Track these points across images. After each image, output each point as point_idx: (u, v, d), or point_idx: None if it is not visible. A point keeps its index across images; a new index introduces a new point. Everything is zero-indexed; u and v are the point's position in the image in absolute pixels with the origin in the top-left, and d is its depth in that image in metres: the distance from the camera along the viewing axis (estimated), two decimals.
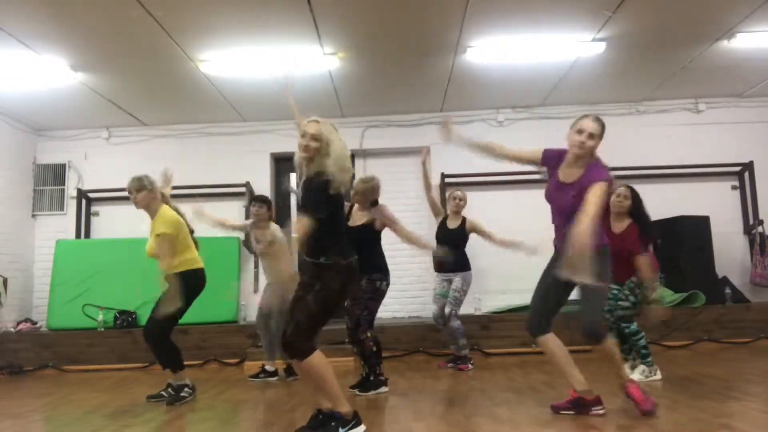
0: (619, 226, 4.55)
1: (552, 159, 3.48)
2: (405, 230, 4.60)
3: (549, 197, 3.49)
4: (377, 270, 4.50)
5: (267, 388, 5.07)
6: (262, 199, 5.49)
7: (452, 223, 5.72)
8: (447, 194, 5.96)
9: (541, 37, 5.73)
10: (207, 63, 5.99)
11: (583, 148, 3.28)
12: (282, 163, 8.13)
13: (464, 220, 5.73)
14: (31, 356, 6.68)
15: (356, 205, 4.67)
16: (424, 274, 7.42)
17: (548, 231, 3.60)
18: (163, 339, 4.37)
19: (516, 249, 5.10)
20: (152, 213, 4.38)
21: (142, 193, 4.31)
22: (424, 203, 7.29)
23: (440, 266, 5.67)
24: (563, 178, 3.40)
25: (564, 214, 3.36)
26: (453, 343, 5.67)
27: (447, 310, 5.52)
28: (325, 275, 3.16)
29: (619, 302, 4.58)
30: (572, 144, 3.32)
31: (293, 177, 8.17)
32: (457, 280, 5.59)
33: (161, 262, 4.21)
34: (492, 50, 5.94)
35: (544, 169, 3.53)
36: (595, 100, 7.53)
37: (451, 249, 5.28)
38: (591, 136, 3.27)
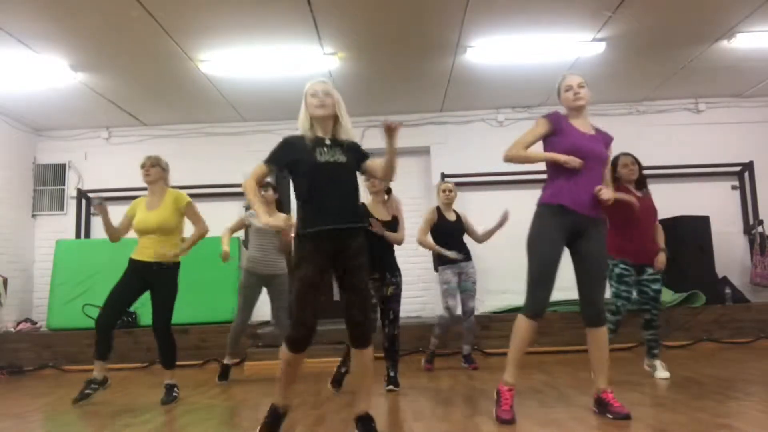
0: (635, 191, 4.59)
1: (559, 119, 3.48)
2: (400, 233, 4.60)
3: (584, 148, 3.32)
4: (397, 268, 4.74)
5: (267, 388, 5.06)
6: (266, 183, 5.14)
7: (450, 215, 5.60)
8: (437, 187, 5.90)
9: (541, 37, 5.74)
10: (207, 63, 5.99)
11: (583, 98, 3.45)
12: None
13: (457, 213, 5.66)
14: (31, 356, 6.68)
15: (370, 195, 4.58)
16: (424, 274, 7.41)
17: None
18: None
19: (497, 228, 5.35)
20: (159, 191, 4.45)
21: (156, 168, 4.43)
22: (425, 204, 7.33)
23: (447, 259, 5.49)
24: (584, 130, 3.44)
25: (602, 163, 3.40)
26: (469, 340, 5.64)
27: (472, 304, 5.51)
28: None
29: (655, 286, 4.58)
30: (571, 101, 3.47)
31: None
32: (471, 271, 5.54)
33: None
34: (492, 50, 5.95)
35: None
36: (595, 100, 7.34)
37: (456, 240, 5.45)
38: (581, 85, 3.47)
